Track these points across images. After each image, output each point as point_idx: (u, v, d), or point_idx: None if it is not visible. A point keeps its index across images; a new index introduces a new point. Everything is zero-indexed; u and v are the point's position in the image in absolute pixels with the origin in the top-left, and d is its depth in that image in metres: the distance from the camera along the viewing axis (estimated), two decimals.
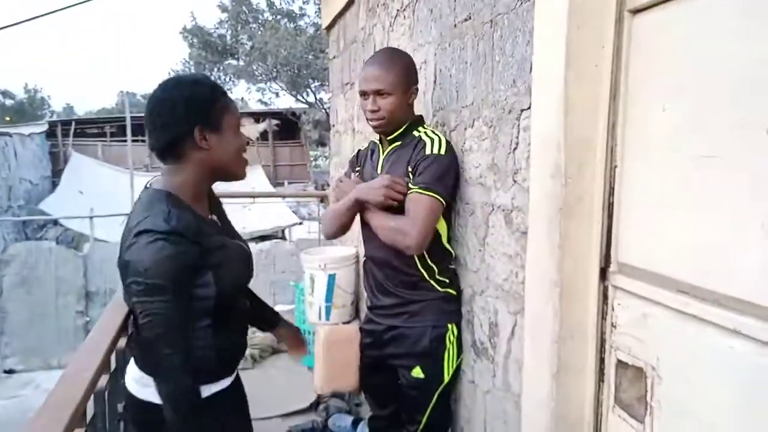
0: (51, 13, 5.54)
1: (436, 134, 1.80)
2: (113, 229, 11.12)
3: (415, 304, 1.84)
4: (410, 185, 1.72)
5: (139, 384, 1.36)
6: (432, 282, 1.82)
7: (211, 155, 1.35)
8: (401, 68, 1.82)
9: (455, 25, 1.86)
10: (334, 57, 4.12)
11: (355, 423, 3.01)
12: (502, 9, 1.53)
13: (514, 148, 1.50)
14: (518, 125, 1.46)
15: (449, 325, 1.84)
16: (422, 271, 1.81)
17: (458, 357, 1.87)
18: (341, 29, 3.79)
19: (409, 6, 2.31)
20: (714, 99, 0.94)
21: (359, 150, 2.16)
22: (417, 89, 1.88)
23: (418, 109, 2.19)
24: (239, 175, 1.42)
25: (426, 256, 1.79)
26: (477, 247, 1.75)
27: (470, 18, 1.73)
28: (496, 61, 1.58)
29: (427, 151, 1.74)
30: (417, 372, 1.83)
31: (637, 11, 1.16)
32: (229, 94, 1.54)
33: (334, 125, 4.22)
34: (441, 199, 1.70)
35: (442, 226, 1.81)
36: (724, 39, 0.93)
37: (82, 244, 10.58)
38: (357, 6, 3.29)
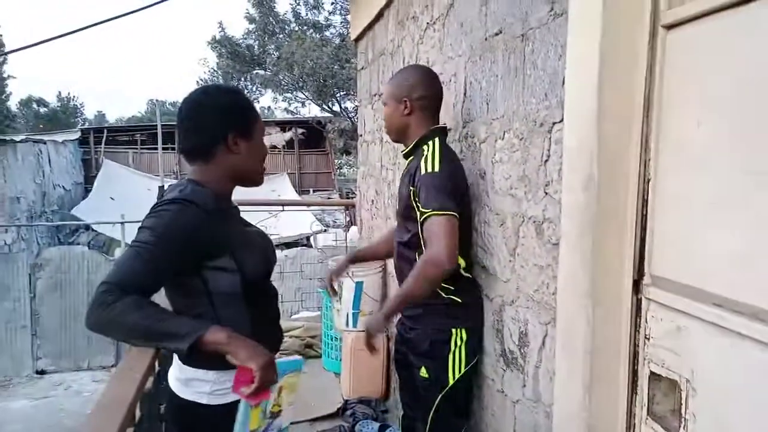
0: (90, 26, 5.71)
1: (433, 150, 1.81)
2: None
3: (419, 308, 1.90)
4: (420, 209, 1.76)
5: (182, 383, 1.39)
6: (437, 289, 1.85)
7: (238, 160, 1.43)
8: (395, 80, 1.96)
9: (486, 39, 1.88)
10: (362, 68, 4.17)
11: (382, 429, 3.03)
12: (534, 23, 1.55)
13: (546, 161, 1.51)
14: (550, 138, 1.48)
15: (454, 330, 1.87)
16: None
17: (468, 363, 1.87)
18: (370, 41, 3.84)
19: (439, 20, 2.35)
20: (752, 114, 0.95)
21: None
22: (408, 102, 1.91)
23: (447, 120, 2.22)
24: (258, 181, 1.50)
25: None
26: (507, 258, 1.77)
27: (501, 32, 1.76)
28: (528, 74, 1.60)
29: (422, 171, 1.77)
30: (423, 372, 1.88)
31: (671, 26, 1.17)
32: (256, 104, 1.64)
33: (361, 135, 4.27)
34: (451, 213, 1.71)
35: None
36: (763, 54, 0.94)
37: (113, 249, 10.82)
38: (386, 19, 3.34)
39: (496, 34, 1.80)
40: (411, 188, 1.83)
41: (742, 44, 0.98)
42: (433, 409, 1.87)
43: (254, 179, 1.49)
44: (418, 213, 1.79)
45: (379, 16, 3.46)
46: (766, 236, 0.92)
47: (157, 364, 1.49)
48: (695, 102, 1.09)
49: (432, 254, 1.67)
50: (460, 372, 1.87)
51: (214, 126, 1.40)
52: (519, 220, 1.67)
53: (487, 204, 1.90)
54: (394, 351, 2.14)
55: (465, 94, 2.08)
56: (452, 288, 1.87)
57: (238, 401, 1.32)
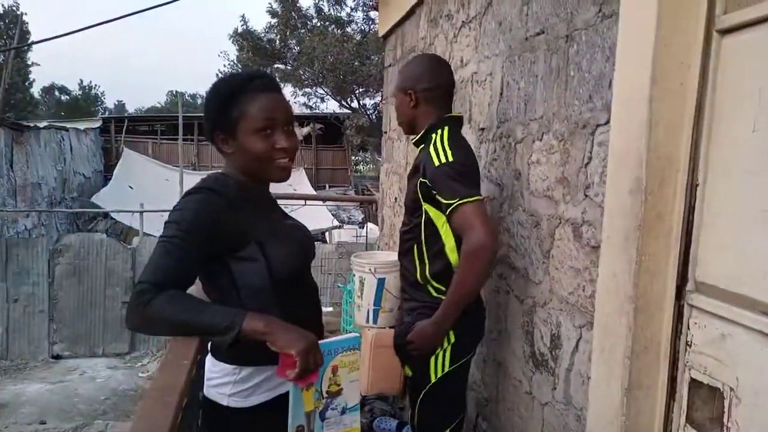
0: (114, 20, 5.76)
1: (441, 140, 1.77)
2: (161, 225, 11.46)
3: (408, 302, 1.91)
4: (442, 201, 1.70)
5: (207, 376, 1.37)
6: (428, 287, 1.84)
7: (235, 158, 1.36)
8: (403, 72, 1.95)
9: (526, 39, 1.88)
10: (389, 65, 4.17)
11: (400, 426, 3.03)
12: (580, 25, 1.54)
13: (587, 163, 1.51)
14: (592, 140, 1.47)
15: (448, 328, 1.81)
16: (418, 273, 1.85)
17: (452, 364, 1.83)
18: (399, 38, 3.84)
19: (476, 18, 2.34)
20: None
21: None
22: (413, 94, 1.87)
23: (481, 120, 2.21)
24: (272, 180, 1.39)
25: (425, 260, 1.82)
26: (541, 260, 1.76)
27: (544, 32, 1.75)
28: (571, 76, 1.59)
29: (436, 163, 1.72)
30: (407, 370, 1.89)
31: (726, 32, 1.16)
32: None
33: (386, 132, 4.27)
34: (475, 198, 1.65)
35: (448, 236, 1.79)
36: None
37: (131, 238, 10.92)
38: (418, 16, 3.33)
39: (538, 34, 1.79)
40: (422, 181, 1.77)
41: None
42: (416, 407, 1.87)
43: (262, 178, 1.39)
44: (437, 210, 1.76)
45: (410, 13, 3.46)
46: None
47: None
48: (751, 108, 1.08)
49: (475, 241, 1.61)
50: (442, 371, 1.83)
51: (206, 124, 1.38)
52: (555, 222, 1.67)
53: (521, 205, 1.90)
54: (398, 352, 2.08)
55: (501, 94, 2.08)
56: (443, 288, 1.80)
57: (261, 405, 1.32)
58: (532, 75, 1.83)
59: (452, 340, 1.83)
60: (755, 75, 1.08)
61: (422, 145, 1.88)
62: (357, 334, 1.39)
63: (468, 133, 2.40)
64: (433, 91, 1.87)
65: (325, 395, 1.30)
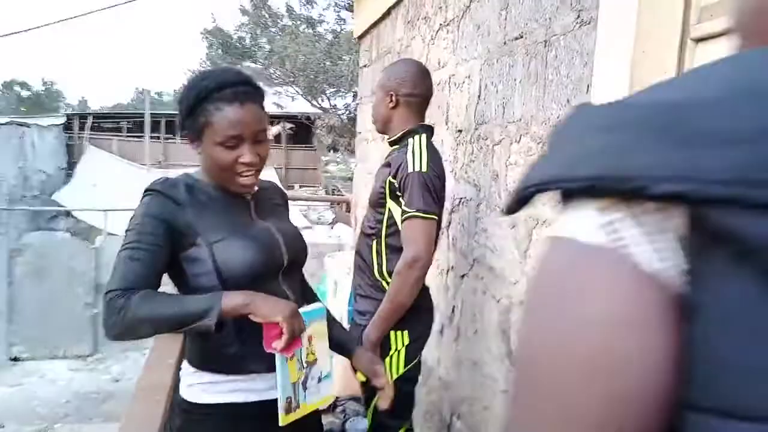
0: (78, 16, 5.63)
1: (420, 147, 1.82)
2: (126, 224, 11.22)
3: (363, 299, 1.92)
4: (403, 206, 1.78)
5: (194, 389, 1.33)
6: (382, 283, 1.87)
7: (202, 159, 1.33)
8: (388, 71, 1.97)
9: (505, 43, 1.91)
10: (364, 65, 4.18)
11: None
12: (558, 30, 1.58)
13: None
14: None
15: (393, 333, 1.84)
16: (376, 268, 1.88)
17: (406, 365, 1.86)
18: (374, 39, 3.86)
19: (454, 21, 2.37)
20: None
21: None
22: (393, 96, 1.89)
23: (459, 121, 2.24)
24: (233, 191, 1.33)
25: (383, 255, 1.86)
26: (518, 260, 1.79)
27: (522, 36, 1.79)
28: (549, 80, 1.63)
29: (410, 168, 1.77)
30: (360, 376, 1.82)
31: (700, 40, 1.20)
32: None
33: (360, 132, 4.28)
34: (432, 216, 1.76)
35: None
36: None
37: (94, 237, 10.67)
38: (394, 17, 3.35)
39: (516, 39, 1.82)
40: (391, 180, 1.82)
41: None
42: (371, 408, 1.87)
43: (226, 186, 1.33)
44: (399, 208, 1.80)
45: (387, 14, 3.48)
46: None
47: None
48: None
49: (413, 254, 1.73)
50: (397, 373, 1.85)
51: (178, 118, 1.37)
52: (533, 223, 1.70)
53: (499, 206, 1.93)
54: None
55: (479, 96, 2.11)
56: None
57: (213, 406, 1.29)
58: (510, 78, 1.87)
59: (406, 341, 1.85)
60: None
61: (396, 146, 1.91)
62: (322, 305, 1.43)
63: (445, 134, 2.43)
64: (413, 97, 1.92)
65: (305, 365, 1.31)
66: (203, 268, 1.27)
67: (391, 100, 1.90)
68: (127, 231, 1.25)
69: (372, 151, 3.84)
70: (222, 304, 1.15)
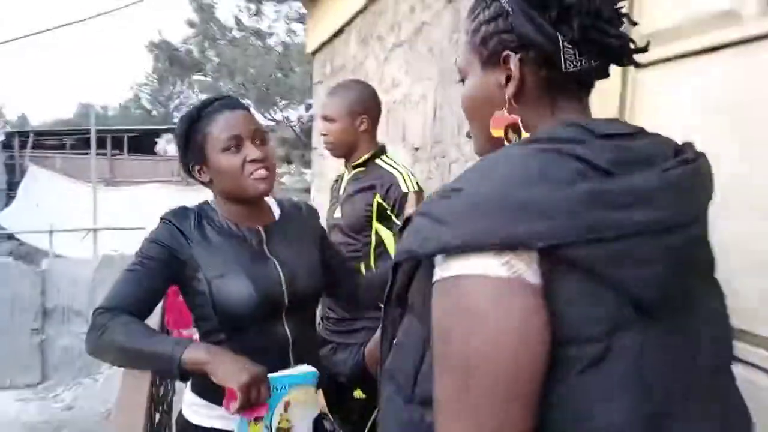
0: (16, 39, 5.45)
1: (398, 166, 1.89)
2: (74, 244, 10.83)
3: (355, 321, 1.92)
4: (397, 222, 1.82)
5: (191, 410, 1.34)
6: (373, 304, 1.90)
7: (214, 185, 1.36)
8: (347, 97, 1.93)
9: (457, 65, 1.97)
10: (319, 81, 4.21)
11: None
12: None
13: None
14: None
15: None
16: None
17: None
18: (328, 55, 3.89)
19: (407, 42, 2.43)
20: (716, 140, 1.07)
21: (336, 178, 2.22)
22: (366, 119, 1.91)
23: (415, 140, 2.30)
24: (252, 194, 1.31)
25: None
26: None
27: None
28: None
29: (404, 188, 1.83)
30: (358, 393, 1.86)
31: (639, 66, 1.29)
32: None
33: (316, 147, 4.30)
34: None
35: (394, 252, 1.88)
36: (716, 93, 1.06)
37: (39, 260, 10.26)
38: (347, 34, 3.40)
39: None
40: (380, 201, 1.84)
41: (700, 85, 1.11)
42: (368, 427, 1.87)
43: (243, 196, 1.32)
44: (389, 231, 1.84)
45: (340, 31, 3.52)
46: None
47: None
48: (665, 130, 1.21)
49: None
50: None
51: (181, 160, 1.38)
52: None
53: None
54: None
55: (435, 116, 2.17)
56: None
57: (205, 429, 1.28)
58: None
59: None
60: (664, 106, 1.22)
61: (362, 168, 1.94)
62: (314, 370, 1.30)
63: (402, 151, 2.48)
64: (376, 118, 1.96)
65: (274, 431, 1.24)
66: (202, 301, 1.29)
67: (361, 123, 1.91)
68: (135, 253, 1.30)
69: (328, 167, 3.87)
70: (184, 356, 1.13)
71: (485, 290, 0.58)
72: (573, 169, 0.60)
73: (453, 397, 0.60)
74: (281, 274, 1.34)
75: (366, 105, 1.94)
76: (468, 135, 0.84)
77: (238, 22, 18.46)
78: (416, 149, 2.36)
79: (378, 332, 1.78)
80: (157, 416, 1.45)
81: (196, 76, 19.21)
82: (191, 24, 18.38)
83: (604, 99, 1.32)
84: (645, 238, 0.59)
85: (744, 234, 0.99)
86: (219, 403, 1.24)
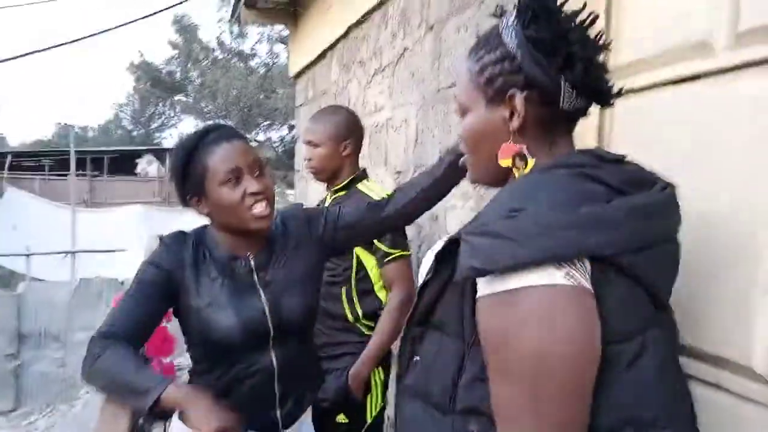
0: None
1: (380, 191, 1.92)
2: (52, 268, 10.63)
3: (339, 346, 1.91)
4: (381, 247, 1.84)
5: None
6: (358, 325, 1.91)
7: (213, 217, 1.34)
8: (331, 123, 1.95)
9: (438, 91, 2.00)
10: (301, 104, 4.23)
11: None
12: None
13: None
14: None
15: (372, 371, 1.89)
16: (348, 314, 1.90)
17: (383, 399, 1.92)
18: (310, 79, 3.92)
19: (389, 67, 2.46)
20: (695, 166, 1.09)
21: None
22: (350, 144, 1.94)
23: (398, 163, 2.31)
24: (252, 230, 1.30)
25: (355, 301, 1.90)
26: None
27: (455, 85, 1.88)
28: None
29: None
30: (341, 418, 1.88)
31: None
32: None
33: (299, 170, 4.30)
34: (408, 253, 1.89)
35: (375, 276, 1.90)
36: (691, 123, 1.09)
37: (15, 283, 10.05)
38: (329, 59, 3.43)
39: (450, 87, 1.92)
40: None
41: (677, 113, 1.13)
42: None
43: (242, 229, 1.30)
44: (370, 255, 1.86)
45: (322, 56, 3.55)
46: None
47: None
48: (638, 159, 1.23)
49: (406, 294, 1.81)
50: (377, 410, 1.91)
51: (177, 190, 1.36)
52: None
53: None
54: None
55: (416, 140, 2.19)
56: (373, 325, 1.89)
57: None
58: (446, 124, 1.95)
59: (382, 376, 1.92)
60: (640, 133, 1.24)
61: (343, 192, 1.95)
62: None
63: (384, 174, 2.50)
64: (359, 143, 1.99)
65: None
66: (190, 327, 1.33)
67: (345, 148, 1.93)
68: (134, 277, 1.31)
69: (311, 189, 3.87)
70: (164, 393, 1.13)
71: (554, 299, 0.65)
72: (602, 189, 0.71)
73: (520, 403, 0.66)
74: (266, 304, 1.33)
75: (349, 130, 1.97)
76: (465, 166, 0.90)
77: (221, 43, 18.54)
78: (398, 173, 2.37)
79: (363, 358, 1.81)
80: None
81: (178, 97, 19.19)
82: (174, 45, 18.41)
83: (583, 129, 1.34)
84: (664, 245, 0.75)
85: (708, 263, 1.00)
86: None
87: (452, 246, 0.73)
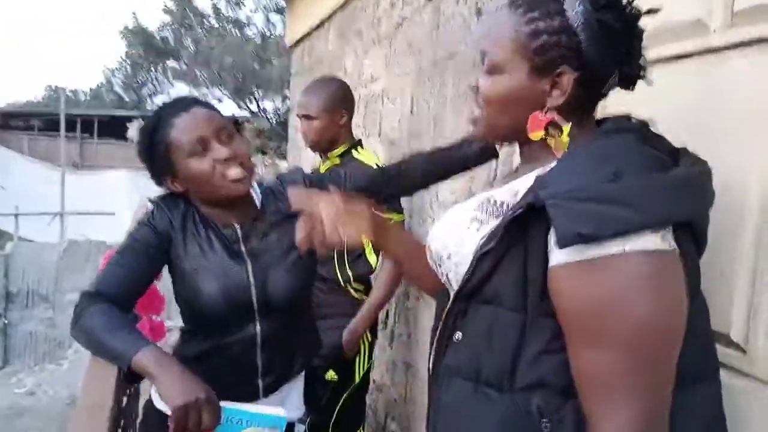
0: None
1: (375, 158, 1.97)
2: (41, 228, 10.58)
3: (329, 308, 1.94)
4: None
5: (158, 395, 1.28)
6: (348, 288, 1.96)
7: (191, 193, 1.29)
8: (327, 94, 1.97)
9: (435, 62, 2.02)
10: (296, 73, 4.21)
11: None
12: None
13: (494, 178, 1.66)
14: (497, 159, 1.63)
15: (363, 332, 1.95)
16: (339, 277, 1.95)
17: (370, 360, 2.00)
18: (306, 49, 3.90)
19: (387, 38, 2.46)
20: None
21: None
22: (346, 113, 1.97)
23: (392, 133, 2.33)
24: (230, 196, 1.25)
25: (347, 263, 1.95)
26: None
27: (452, 57, 1.90)
28: None
29: None
30: (331, 375, 1.93)
31: None
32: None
33: (292, 139, 4.30)
34: (402, 216, 1.95)
35: (367, 242, 1.92)
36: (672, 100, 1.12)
37: (4, 243, 10.01)
38: (326, 29, 3.41)
39: (447, 59, 1.93)
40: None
41: (670, 90, 1.16)
42: (337, 410, 1.94)
43: (219, 198, 1.26)
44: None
45: (320, 25, 3.53)
46: None
47: None
48: None
49: None
50: (364, 370, 1.98)
51: (151, 175, 1.31)
52: None
53: (431, 216, 2.03)
54: None
55: (411, 111, 2.21)
56: (362, 288, 1.96)
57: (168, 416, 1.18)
58: (441, 96, 1.98)
59: (370, 338, 1.98)
60: (633, 111, 1.27)
61: (338, 160, 1.97)
62: (284, 415, 1.15)
63: (378, 145, 2.52)
64: (352, 112, 2.02)
65: None
66: (178, 289, 1.30)
67: (342, 116, 1.96)
68: (126, 236, 1.27)
69: (304, 159, 3.88)
70: (135, 358, 1.06)
71: (658, 264, 0.64)
72: (662, 155, 0.72)
73: (616, 370, 0.64)
74: (252, 277, 1.29)
75: (344, 100, 2.00)
76: (473, 122, 0.85)
77: (217, 10, 18.22)
78: (391, 143, 2.40)
79: (360, 316, 1.86)
80: (125, 399, 1.45)
81: (171, 64, 18.92)
82: (168, 11, 18.08)
83: None
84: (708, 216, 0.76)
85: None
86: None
87: (523, 214, 0.68)
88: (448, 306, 0.79)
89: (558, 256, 0.67)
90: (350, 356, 1.91)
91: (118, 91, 27.83)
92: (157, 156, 1.25)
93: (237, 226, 1.31)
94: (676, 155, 0.75)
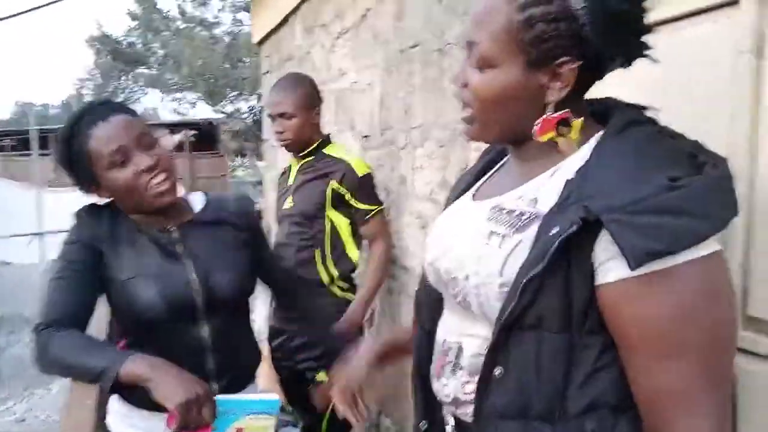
0: None
1: (346, 153, 1.97)
2: (20, 250, 10.39)
3: (312, 311, 1.91)
4: (359, 206, 1.89)
5: (114, 417, 1.29)
6: (333, 288, 1.95)
7: (117, 202, 1.25)
8: (302, 92, 1.95)
9: (402, 51, 1.98)
10: (266, 72, 4.14)
11: None
12: (451, 39, 1.66)
13: (465, 167, 1.63)
14: (471, 146, 1.60)
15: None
16: (323, 276, 1.93)
17: None
18: (274, 45, 3.83)
19: (351, 30, 2.42)
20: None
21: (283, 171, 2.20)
22: (320, 110, 1.99)
23: (364, 128, 2.30)
24: (153, 206, 1.21)
25: (330, 263, 1.93)
26: None
27: (417, 45, 1.86)
28: (446, 86, 1.71)
29: (359, 173, 1.89)
30: (321, 376, 1.90)
31: None
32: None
33: (267, 139, 4.24)
34: (383, 208, 1.96)
35: (348, 239, 1.95)
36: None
37: None
38: (292, 25, 3.35)
39: (412, 47, 1.90)
40: (336, 188, 1.87)
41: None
42: (330, 409, 1.92)
43: (143, 209, 1.22)
44: (359, 211, 1.89)
45: (284, 21, 3.47)
46: None
47: None
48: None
49: (386, 246, 1.94)
50: None
51: (74, 183, 1.25)
52: None
53: (408, 208, 2.00)
54: (278, 366, 2.09)
55: (381, 102, 2.17)
56: (347, 285, 1.97)
57: None
58: (409, 85, 1.94)
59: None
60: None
61: (311, 157, 1.94)
62: (277, 398, 1.17)
63: (352, 140, 2.48)
64: (321, 107, 2.00)
65: None
66: (113, 301, 1.24)
67: (316, 115, 1.96)
68: (56, 259, 1.22)
69: (280, 158, 3.83)
70: (122, 369, 1.05)
71: (716, 265, 0.64)
72: (692, 151, 0.68)
73: (695, 379, 0.63)
74: (194, 275, 1.25)
75: (317, 96, 1.99)
76: (467, 121, 0.77)
77: (182, 12, 17.94)
78: (365, 137, 2.36)
79: (354, 305, 1.85)
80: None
81: (141, 69, 18.62)
82: (133, 16, 17.76)
83: None
84: None
85: None
86: (146, 406, 1.17)
87: (574, 232, 0.62)
88: (489, 343, 0.71)
89: (616, 272, 0.63)
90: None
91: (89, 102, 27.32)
92: (77, 167, 1.20)
93: (173, 228, 1.27)
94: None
